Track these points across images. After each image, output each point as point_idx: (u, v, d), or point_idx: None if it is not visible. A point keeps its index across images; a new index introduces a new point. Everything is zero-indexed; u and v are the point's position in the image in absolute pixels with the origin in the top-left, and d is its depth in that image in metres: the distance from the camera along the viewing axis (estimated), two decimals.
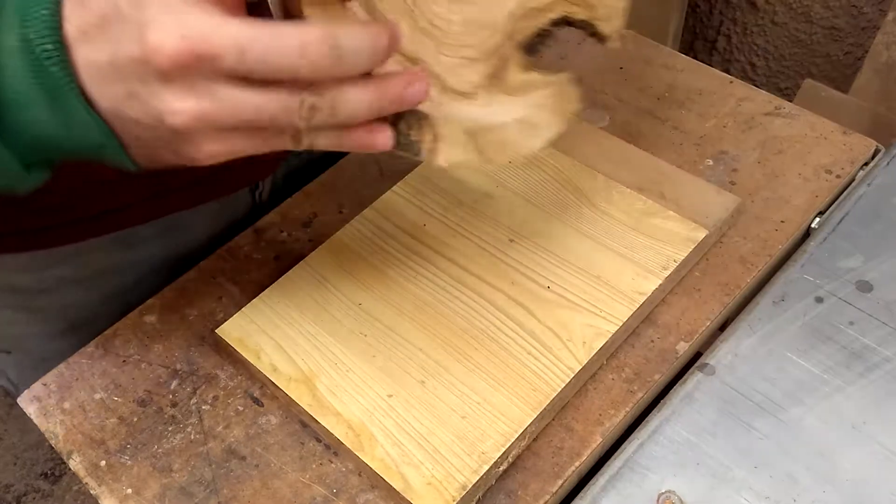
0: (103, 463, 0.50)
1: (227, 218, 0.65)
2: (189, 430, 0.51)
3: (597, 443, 0.49)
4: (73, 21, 0.32)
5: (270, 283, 0.56)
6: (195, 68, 0.31)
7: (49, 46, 0.32)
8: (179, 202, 0.60)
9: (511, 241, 0.57)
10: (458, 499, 0.45)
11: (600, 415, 0.50)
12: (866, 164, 0.63)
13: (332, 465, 0.49)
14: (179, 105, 0.32)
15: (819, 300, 0.53)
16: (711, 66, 0.72)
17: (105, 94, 0.33)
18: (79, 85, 0.32)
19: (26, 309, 0.62)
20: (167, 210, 0.60)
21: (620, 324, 0.51)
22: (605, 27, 0.49)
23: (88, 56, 0.32)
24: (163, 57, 0.31)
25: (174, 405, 0.53)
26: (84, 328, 0.60)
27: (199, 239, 0.64)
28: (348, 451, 0.48)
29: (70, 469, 0.50)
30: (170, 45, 0.31)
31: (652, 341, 0.53)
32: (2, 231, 0.54)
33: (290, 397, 0.50)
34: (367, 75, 0.35)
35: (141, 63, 0.31)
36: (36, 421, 0.53)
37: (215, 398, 0.53)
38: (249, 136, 0.35)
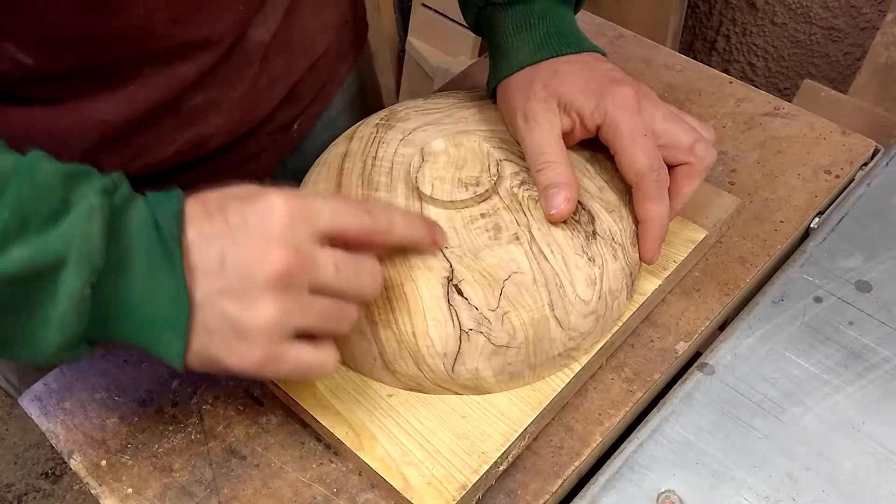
0: (104, 462, 0.50)
1: None
2: (189, 429, 0.51)
3: (597, 442, 0.49)
4: (195, 224, 0.38)
5: None
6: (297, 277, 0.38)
7: (174, 231, 0.38)
8: None
9: None
10: (459, 498, 0.45)
11: (600, 414, 0.50)
12: (865, 164, 0.63)
13: (333, 465, 0.50)
14: (271, 302, 0.38)
15: (818, 300, 0.53)
16: (711, 66, 0.72)
17: (203, 284, 0.38)
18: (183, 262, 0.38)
19: None
20: None
21: (620, 324, 0.51)
22: None
23: (201, 253, 0.38)
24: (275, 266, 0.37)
25: (175, 405, 0.53)
26: None
27: None
28: (348, 451, 0.48)
29: (71, 469, 0.50)
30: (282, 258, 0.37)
31: (652, 341, 0.54)
32: None
33: (290, 397, 0.50)
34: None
35: (250, 266, 0.38)
36: (37, 420, 0.53)
37: (216, 398, 0.53)
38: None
